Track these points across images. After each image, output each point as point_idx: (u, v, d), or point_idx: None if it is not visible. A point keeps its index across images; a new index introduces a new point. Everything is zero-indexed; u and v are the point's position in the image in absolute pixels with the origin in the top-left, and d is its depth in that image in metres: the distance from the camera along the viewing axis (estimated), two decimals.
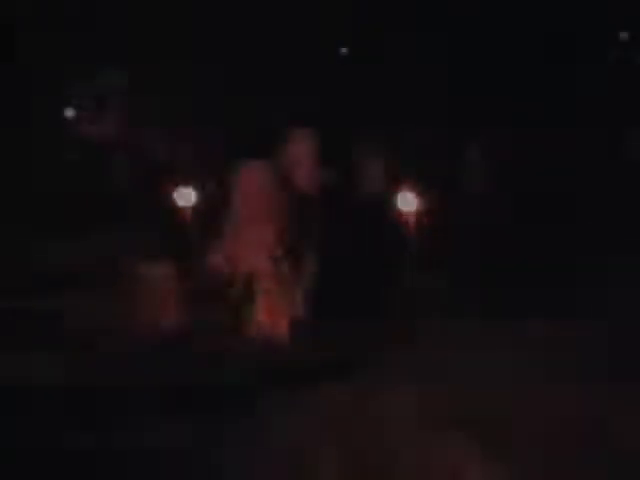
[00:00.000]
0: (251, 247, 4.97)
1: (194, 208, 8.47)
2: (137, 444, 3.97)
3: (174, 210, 9.83)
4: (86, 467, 3.81)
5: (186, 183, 8.39)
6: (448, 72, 14.95)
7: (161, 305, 5.77)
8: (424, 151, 11.88)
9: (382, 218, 9.47)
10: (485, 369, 5.10)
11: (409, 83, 14.54)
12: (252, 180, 5.10)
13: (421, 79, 14.65)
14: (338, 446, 3.95)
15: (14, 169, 11.88)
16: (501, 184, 11.02)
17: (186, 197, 8.17)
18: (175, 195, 8.44)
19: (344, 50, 16.65)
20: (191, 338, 5.30)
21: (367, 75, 14.97)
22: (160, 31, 14.05)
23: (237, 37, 14.39)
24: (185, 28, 14.14)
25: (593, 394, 4.72)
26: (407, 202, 8.95)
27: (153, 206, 10.52)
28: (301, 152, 8.41)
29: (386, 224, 9.10)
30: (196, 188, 8.59)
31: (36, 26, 13.66)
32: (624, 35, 16.71)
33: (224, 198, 5.10)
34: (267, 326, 5.14)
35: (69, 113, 15.15)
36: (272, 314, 5.07)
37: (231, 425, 4.27)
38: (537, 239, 9.01)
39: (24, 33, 13.65)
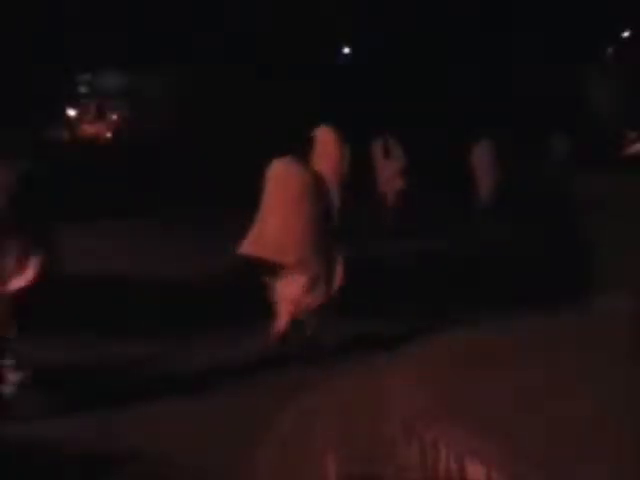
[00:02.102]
0: (281, 239, 5.05)
1: None
2: None
3: None
4: None
5: None
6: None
7: None
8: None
9: None
10: None
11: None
12: (284, 175, 5.18)
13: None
14: None
15: None
16: None
17: None
18: None
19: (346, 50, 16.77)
20: None
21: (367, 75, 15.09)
22: (161, 32, 14.08)
23: (239, 37, 14.47)
24: (187, 29, 14.19)
25: None
26: None
27: None
28: (326, 146, 8.64)
29: None
30: None
31: (37, 26, 13.64)
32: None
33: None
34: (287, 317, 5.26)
35: (71, 113, 15.17)
36: (296, 304, 5.17)
37: None
38: None
39: (25, 33, 13.63)
